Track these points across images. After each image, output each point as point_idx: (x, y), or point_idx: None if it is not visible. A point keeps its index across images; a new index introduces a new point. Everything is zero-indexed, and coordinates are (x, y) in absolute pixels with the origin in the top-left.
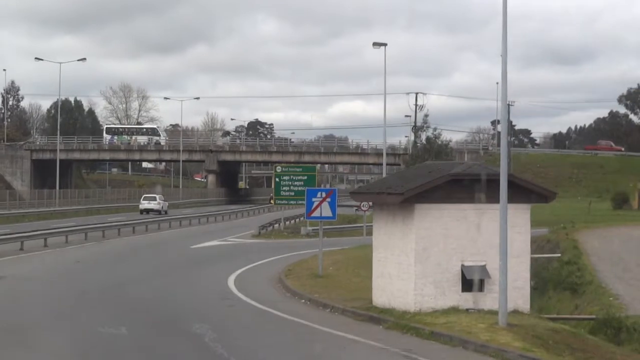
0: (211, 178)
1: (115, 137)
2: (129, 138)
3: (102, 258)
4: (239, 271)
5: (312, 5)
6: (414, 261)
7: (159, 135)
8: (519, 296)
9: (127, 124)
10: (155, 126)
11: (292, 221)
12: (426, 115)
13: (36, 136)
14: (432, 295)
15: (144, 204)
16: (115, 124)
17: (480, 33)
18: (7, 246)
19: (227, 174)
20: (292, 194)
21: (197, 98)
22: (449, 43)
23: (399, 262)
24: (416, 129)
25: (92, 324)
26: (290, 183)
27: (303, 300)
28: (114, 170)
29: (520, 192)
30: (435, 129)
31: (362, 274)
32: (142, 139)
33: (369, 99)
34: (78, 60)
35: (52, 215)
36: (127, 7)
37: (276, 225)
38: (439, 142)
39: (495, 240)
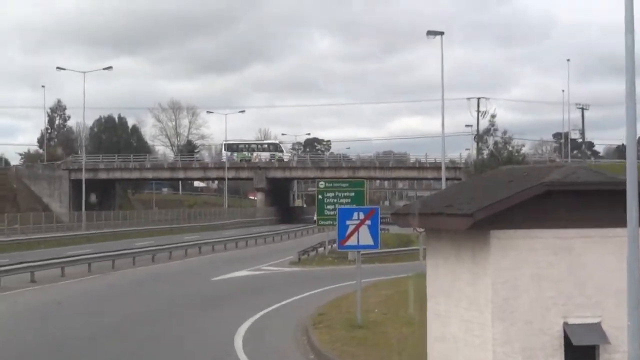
0: (260, 196)
1: (235, 154)
2: (249, 155)
3: (93, 296)
4: (257, 315)
5: (368, 21)
6: (491, 318)
7: (282, 152)
8: None
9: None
10: (277, 142)
11: None
12: (493, 117)
13: (75, 155)
14: None
15: None
16: (232, 141)
17: (538, 45)
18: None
19: (278, 191)
20: None
21: (242, 111)
22: (506, 56)
23: (467, 320)
24: (481, 134)
25: None
26: (335, 200)
27: None
28: (165, 189)
29: None
30: (505, 133)
31: (417, 319)
32: (264, 155)
33: (429, 114)
34: (104, 69)
35: (78, 239)
36: (182, 27)
37: (320, 249)
38: (509, 149)
39: (616, 283)
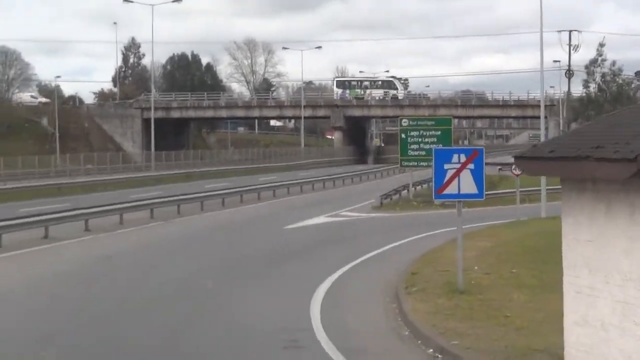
0: (337, 135)
1: (347, 91)
2: (362, 92)
3: (150, 249)
4: (336, 274)
5: None
6: None
7: (396, 89)
8: None
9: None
10: (391, 78)
11: (424, 185)
12: (602, 46)
13: (148, 93)
14: None
15: None
16: (344, 78)
17: None
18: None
19: (356, 130)
20: (423, 153)
21: (319, 47)
22: None
23: (622, 301)
24: (587, 65)
25: None
26: (419, 140)
27: (431, 350)
28: (240, 129)
29: None
30: (613, 64)
31: (528, 282)
32: (378, 93)
33: (507, 52)
34: (172, 1)
35: (147, 181)
36: None
37: (404, 192)
38: (619, 81)
39: None
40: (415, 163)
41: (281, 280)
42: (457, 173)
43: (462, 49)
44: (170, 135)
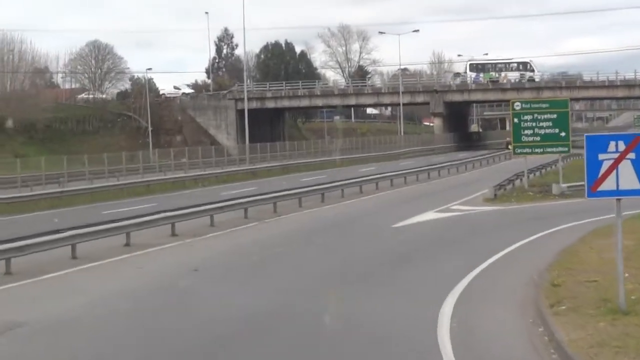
0: (437, 122)
1: (481, 75)
2: (496, 75)
3: (239, 257)
4: (460, 285)
5: None
6: None
7: (533, 71)
8: None
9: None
10: (528, 60)
11: (537, 173)
12: None
13: (241, 84)
14: None
15: None
16: (477, 60)
17: None
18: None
19: (456, 116)
20: (538, 139)
21: (417, 30)
22: None
23: None
24: None
25: None
26: (534, 125)
27: None
28: (336, 117)
29: None
30: None
31: None
32: (513, 75)
33: (601, 34)
34: None
35: (241, 176)
36: None
37: (517, 181)
38: None
39: None
40: (530, 150)
41: (398, 292)
42: (615, 165)
43: (554, 30)
44: (265, 126)
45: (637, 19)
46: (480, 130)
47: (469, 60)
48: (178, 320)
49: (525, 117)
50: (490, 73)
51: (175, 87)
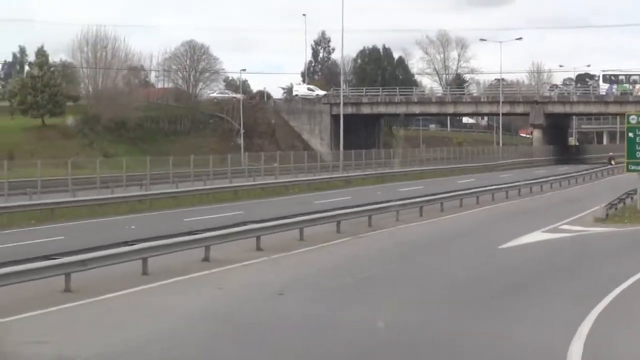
0: (537, 134)
1: (615, 86)
2: (631, 87)
3: (335, 278)
4: (586, 325)
5: None
6: None
7: None
8: None
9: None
10: None
11: None
12: None
13: (337, 88)
14: None
15: None
16: (611, 71)
17: None
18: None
19: (556, 128)
20: None
21: (520, 38)
22: None
23: None
24: None
25: None
26: None
27: None
28: (432, 126)
29: None
30: None
31: None
32: None
33: None
34: None
35: (335, 183)
36: None
37: (628, 200)
38: None
39: None
40: None
41: (508, 337)
42: None
43: None
44: (360, 132)
45: None
46: (577, 143)
47: (603, 71)
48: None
49: None
50: (624, 85)
51: (259, 91)
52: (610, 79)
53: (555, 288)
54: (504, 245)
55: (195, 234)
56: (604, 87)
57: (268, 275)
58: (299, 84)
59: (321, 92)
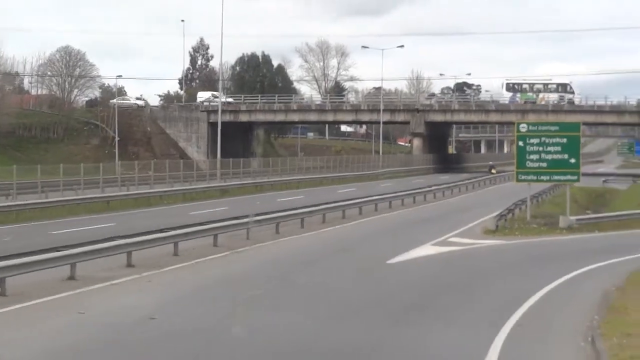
0: (417, 142)
1: (518, 95)
2: (534, 96)
3: (205, 300)
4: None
5: None
6: None
7: (573, 92)
8: None
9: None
10: (567, 82)
11: (534, 201)
12: None
13: (215, 95)
14: None
15: None
16: (514, 80)
17: None
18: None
19: (436, 137)
20: (545, 165)
21: (401, 46)
22: None
23: None
24: None
25: None
26: (540, 149)
27: None
28: (310, 134)
29: None
30: None
31: None
32: (552, 97)
33: (572, 60)
34: None
35: (211, 192)
36: None
37: (516, 211)
38: None
39: None
40: (535, 177)
41: None
42: None
43: (526, 55)
44: (238, 140)
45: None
46: (454, 152)
47: (506, 79)
48: None
49: (532, 141)
50: (528, 93)
51: (137, 98)
52: (513, 87)
53: (456, 311)
54: (393, 260)
55: (60, 250)
56: (506, 95)
57: (139, 295)
58: (207, 92)
59: (231, 99)
